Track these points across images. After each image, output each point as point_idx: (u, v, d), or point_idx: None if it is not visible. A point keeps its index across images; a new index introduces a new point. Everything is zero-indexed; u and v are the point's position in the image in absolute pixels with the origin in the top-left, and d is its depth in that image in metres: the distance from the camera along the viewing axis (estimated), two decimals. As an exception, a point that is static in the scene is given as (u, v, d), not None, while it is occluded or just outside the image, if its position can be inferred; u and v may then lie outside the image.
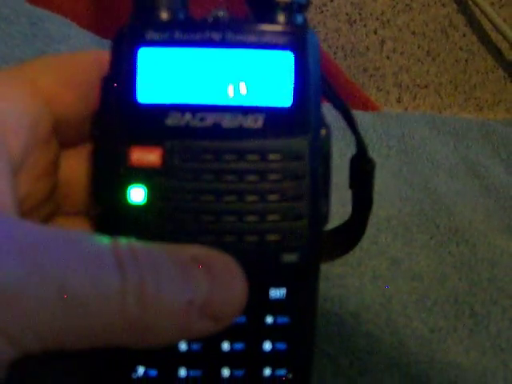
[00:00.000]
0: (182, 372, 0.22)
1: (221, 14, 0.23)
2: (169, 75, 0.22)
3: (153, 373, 0.22)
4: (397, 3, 0.82)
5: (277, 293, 0.22)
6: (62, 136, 0.25)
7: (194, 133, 0.22)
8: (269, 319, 0.23)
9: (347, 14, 0.81)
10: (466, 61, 0.86)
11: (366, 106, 0.76)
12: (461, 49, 0.85)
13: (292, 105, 0.22)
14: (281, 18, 0.23)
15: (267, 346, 0.23)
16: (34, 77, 0.24)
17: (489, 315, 0.41)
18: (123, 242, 0.19)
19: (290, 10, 0.23)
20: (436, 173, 0.63)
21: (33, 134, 0.23)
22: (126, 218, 0.21)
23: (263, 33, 0.22)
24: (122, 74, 0.22)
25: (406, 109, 0.86)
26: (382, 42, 0.83)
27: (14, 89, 0.23)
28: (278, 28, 0.22)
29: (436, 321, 0.40)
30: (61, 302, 0.17)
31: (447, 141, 0.69)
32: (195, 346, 0.22)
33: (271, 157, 0.22)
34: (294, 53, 0.22)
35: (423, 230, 0.51)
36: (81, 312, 0.17)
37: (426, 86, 0.86)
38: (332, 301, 0.40)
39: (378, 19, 0.82)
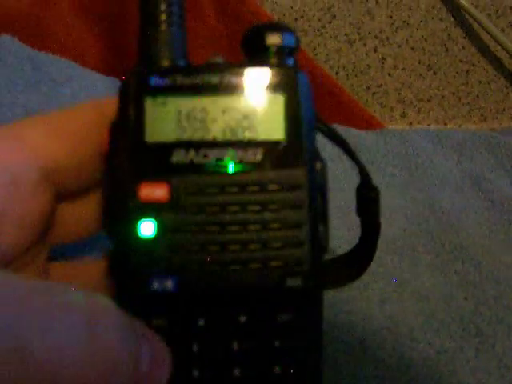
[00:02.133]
0: None
1: (218, 60, 0.25)
2: (173, 117, 0.24)
3: None
4: (394, 20, 0.83)
5: (284, 317, 0.24)
6: (60, 185, 0.26)
7: (198, 168, 0.24)
8: (277, 343, 0.24)
9: (346, 35, 0.83)
10: (467, 72, 0.87)
11: (371, 123, 0.77)
12: (461, 61, 0.86)
13: (286, 140, 0.24)
14: (273, 61, 0.25)
15: (277, 369, 0.24)
16: (20, 131, 0.24)
17: (495, 334, 0.41)
18: (98, 299, 0.20)
19: (281, 54, 0.25)
20: (441, 188, 0.63)
21: (13, 189, 0.23)
22: (136, 251, 0.23)
23: (257, 76, 0.24)
24: (130, 118, 0.24)
25: (411, 123, 0.86)
26: (383, 60, 0.84)
27: None
28: (270, 71, 0.24)
29: (442, 342, 0.41)
30: (22, 367, 0.17)
31: (451, 155, 0.69)
32: (207, 373, 0.23)
33: (270, 187, 0.24)
34: (284, 95, 0.24)
35: (429, 249, 0.52)
36: (47, 378, 0.17)
37: (429, 100, 0.86)
38: (340, 328, 0.41)
39: (376, 37, 0.83)
